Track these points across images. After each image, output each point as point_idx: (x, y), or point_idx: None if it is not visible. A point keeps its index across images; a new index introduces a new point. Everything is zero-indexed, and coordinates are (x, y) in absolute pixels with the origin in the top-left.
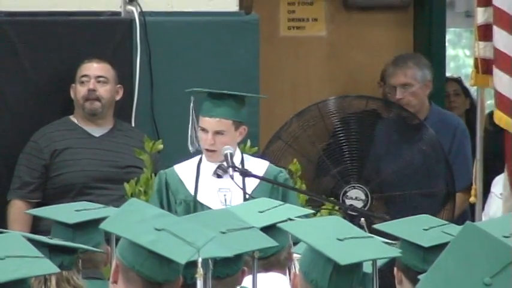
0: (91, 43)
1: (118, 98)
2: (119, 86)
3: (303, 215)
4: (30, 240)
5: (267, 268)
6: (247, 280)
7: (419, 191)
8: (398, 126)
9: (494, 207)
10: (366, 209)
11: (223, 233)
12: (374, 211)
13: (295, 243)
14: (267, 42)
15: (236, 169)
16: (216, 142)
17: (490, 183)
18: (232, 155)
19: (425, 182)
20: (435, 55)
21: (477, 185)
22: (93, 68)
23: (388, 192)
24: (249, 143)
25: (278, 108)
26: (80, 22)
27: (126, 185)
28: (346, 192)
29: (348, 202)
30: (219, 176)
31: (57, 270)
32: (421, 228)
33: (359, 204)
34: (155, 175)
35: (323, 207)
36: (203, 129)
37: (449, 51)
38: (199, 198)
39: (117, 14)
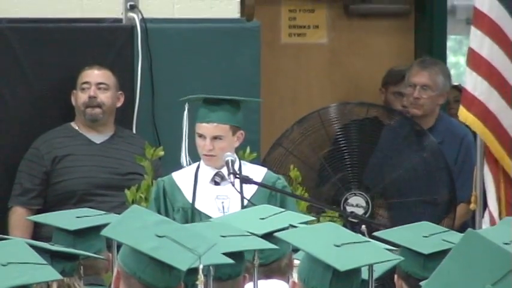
0: (92, 50)
1: (119, 104)
2: (120, 92)
3: (305, 221)
4: (32, 246)
5: (268, 275)
6: (248, 287)
7: (420, 199)
8: (400, 134)
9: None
10: (366, 216)
11: (224, 237)
12: (375, 218)
13: (296, 250)
14: (269, 49)
15: (237, 176)
16: (214, 147)
17: None
18: (233, 162)
19: (427, 190)
20: None
21: (477, 192)
22: (94, 75)
23: (389, 200)
24: (248, 149)
25: (279, 115)
26: (82, 29)
27: (127, 191)
28: (347, 199)
29: (349, 209)
30: (216, 183)
31: (60, 277)
32: (421, 235)
33: (360, 211)
34: (156, 180)
35: (323, 214)
36: (200, 136)
37: (450, 59)
38: (197, 205)
39: (119, 20)
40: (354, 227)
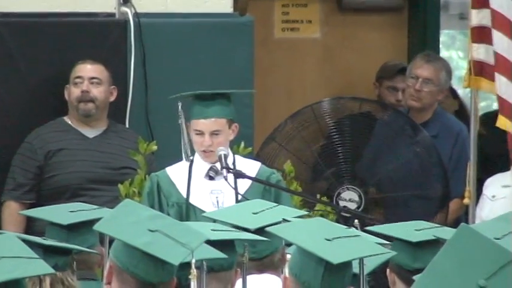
0: (85, 44)
1: (112, 99)
2: (113, 87)
3: (298, 216)
4: (24, 241)
5: (260, 269)
6: (241, 282)
7: (413, 193)
8: (393, 128)
9: (486, 209)
10: (359, 210)
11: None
12: (368, 213)
13: (289, 245)
14: (262, 44)
15: (230, 170)
16: (213, 143)
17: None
18: (226, 156)
19: (420, 184)
20: None
21: (471, 187)
22: (87, 69)
23: (382, 194)
24: (242, 144)
25: (273, 110)
26: (74, 23)
27: (120, 186)
28: (340, 193)
29: (342, 204)
30: (211, 178)
31: (52, 270)
32: (414, 229)
33: (352, 206)
34: (150, 175)
35: (316, 208)
36: (198, 132)
37: (443, 53)
38: (192, 200)
39: (112, 15)
40: (346, 222)
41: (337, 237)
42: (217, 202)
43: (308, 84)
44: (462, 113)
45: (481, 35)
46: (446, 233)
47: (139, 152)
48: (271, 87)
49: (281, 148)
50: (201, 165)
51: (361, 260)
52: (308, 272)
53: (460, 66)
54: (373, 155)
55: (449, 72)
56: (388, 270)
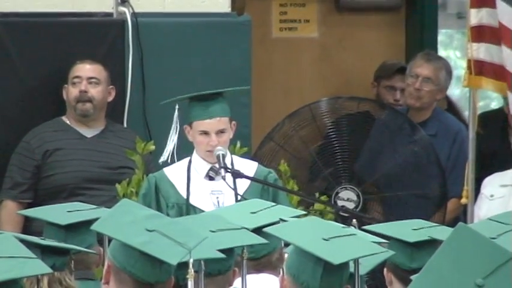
0: (83, 44)
1: (110, 99)
2: (111, 87)
3: (295, 215)
4: (22, 241)
5: (258, 269)
6: (238, 282)
7: (411, 193)
8: (391, 128)
9: (484, 208)
10: (357, 210)
11: (213, 231)
12: (366, 212)
13: (287, 245)
14: (259, 44)
15: (228, 170)
16: (219, 142)
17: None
18: (224, 156)
19: (418, 184)
20: None
21: (469, 187)
22: (85, 69)
23: (380, 194)
24: (238, 144)
25: (270, 110)
26: (72, 23)
27: (118, 186)
28: (338, 193)
29: (340, 203)
30: (211, 178)
31: (50, 270)
32: (411, 228)
33: (351, 206)
34: (147, 176)
35: (314, 208)
36: (203, 133)
37: (441, 53)
38: (192, 201)
39: (110, 15)
40: (344, 221)
41: (334, 237)
42: (218, 202)
43: (306, 84)
44: (451, 111)
45: (479, 34)
46: (444, 232)
47: (137, 152)
48: (269, 87)
49: (279, 148)
50: (200, 166)
51: (356, 260)
52: (306, 272)
53: (458, 66)
54: (371, 155)
55: (449, 72)
56: (385, 269)
